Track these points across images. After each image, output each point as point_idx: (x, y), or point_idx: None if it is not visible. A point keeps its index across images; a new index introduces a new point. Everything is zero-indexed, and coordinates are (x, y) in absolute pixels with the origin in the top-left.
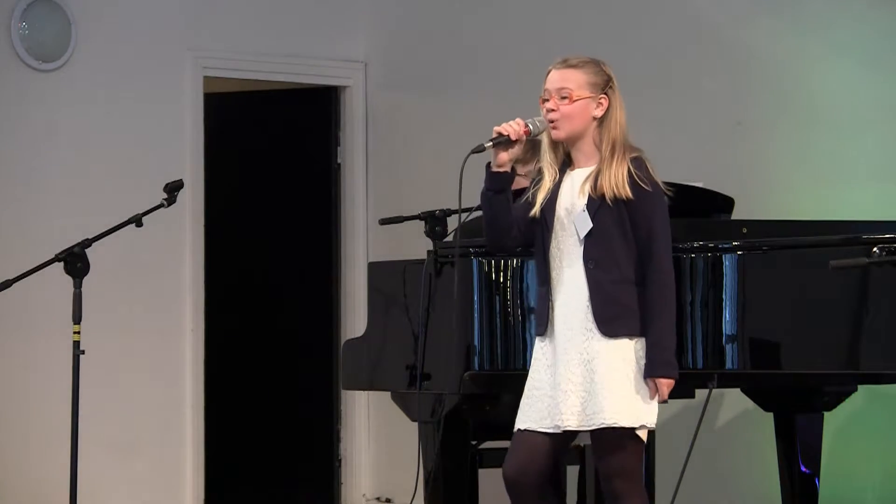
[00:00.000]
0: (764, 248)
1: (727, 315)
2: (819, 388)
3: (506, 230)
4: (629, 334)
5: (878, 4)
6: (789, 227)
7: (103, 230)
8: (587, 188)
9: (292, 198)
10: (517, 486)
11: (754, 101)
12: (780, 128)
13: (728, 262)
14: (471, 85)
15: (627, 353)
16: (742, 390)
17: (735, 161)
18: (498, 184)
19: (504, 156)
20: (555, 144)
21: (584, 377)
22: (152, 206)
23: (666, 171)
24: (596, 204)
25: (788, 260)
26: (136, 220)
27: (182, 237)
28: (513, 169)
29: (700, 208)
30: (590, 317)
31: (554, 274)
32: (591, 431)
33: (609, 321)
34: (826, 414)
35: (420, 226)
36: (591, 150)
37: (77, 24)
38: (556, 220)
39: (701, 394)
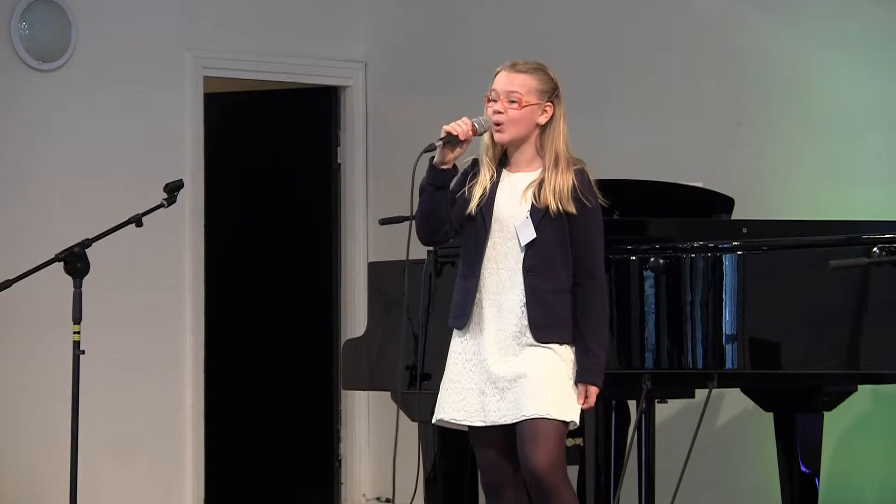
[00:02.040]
0: (764, 248)
1: (727, 315)
2: (819, 388)
3: (441, 224)
4: (560, 341)
5: (879, 4)
6: (789, 227)
7: (103, 230)
8: (530, 195)
9: (292, 198)
10: (498, 494)
11: (754, 101)
12: (780, 128)
13: (728, 262)
14: (471, 85)
15: (558, 356)
16: (742, 390)
17: (735, 161)
18: (440, 180)
19: (451, 155)
20: (494, 143)
21: (517, 375)
22: (152, 206)
23: (666, 172)
24: (539, 213)
25: (788, 260)
26: (136, 220)
27: (182, 237)
28: (454, 166)
29: (700, 208)
30: (524, 321)
31: (487, 273)
32: (520, 426)
33: (543, 328)
34: (826, 414)
35: None
36: (532, 154)
37: (77, 24)
38: (493, 221)
39: (701, 394)
